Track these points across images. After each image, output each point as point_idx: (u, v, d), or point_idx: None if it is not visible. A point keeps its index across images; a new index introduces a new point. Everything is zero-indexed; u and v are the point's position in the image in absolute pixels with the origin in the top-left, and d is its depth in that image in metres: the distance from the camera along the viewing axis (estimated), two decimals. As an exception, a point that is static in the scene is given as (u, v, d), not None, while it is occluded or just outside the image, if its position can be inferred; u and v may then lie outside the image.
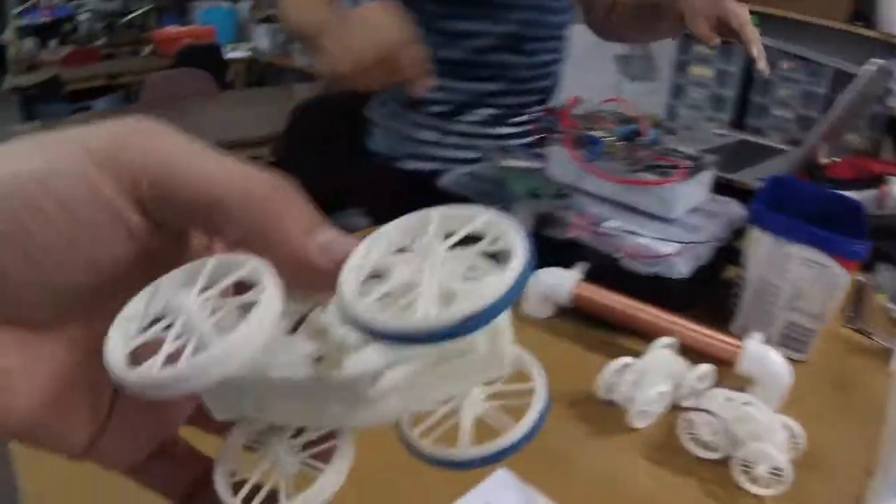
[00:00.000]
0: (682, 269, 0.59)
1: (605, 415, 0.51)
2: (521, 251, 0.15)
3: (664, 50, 2.20)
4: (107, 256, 0.17)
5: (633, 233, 0.61)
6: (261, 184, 0.17)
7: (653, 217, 0.67)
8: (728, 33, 0.84)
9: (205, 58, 3.21)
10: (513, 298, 0.14)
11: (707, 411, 0.48)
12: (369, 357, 0.17)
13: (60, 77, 3.10)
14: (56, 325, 0.18)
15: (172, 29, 4.17)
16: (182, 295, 0.17)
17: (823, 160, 1.11)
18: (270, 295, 0.16)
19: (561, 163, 0.71)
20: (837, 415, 0.56)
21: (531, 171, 0.68)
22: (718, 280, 0.69)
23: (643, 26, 1.01)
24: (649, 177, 0.65)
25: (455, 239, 0.17)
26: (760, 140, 1.31)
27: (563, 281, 0.60)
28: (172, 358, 0.15)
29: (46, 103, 2.38)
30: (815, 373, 0.60)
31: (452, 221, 0.17)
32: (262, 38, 3.82)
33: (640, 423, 0.49)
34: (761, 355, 0.54)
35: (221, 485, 0.19)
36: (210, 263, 0.17)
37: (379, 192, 1.07)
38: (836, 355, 0.65)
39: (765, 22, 1.96)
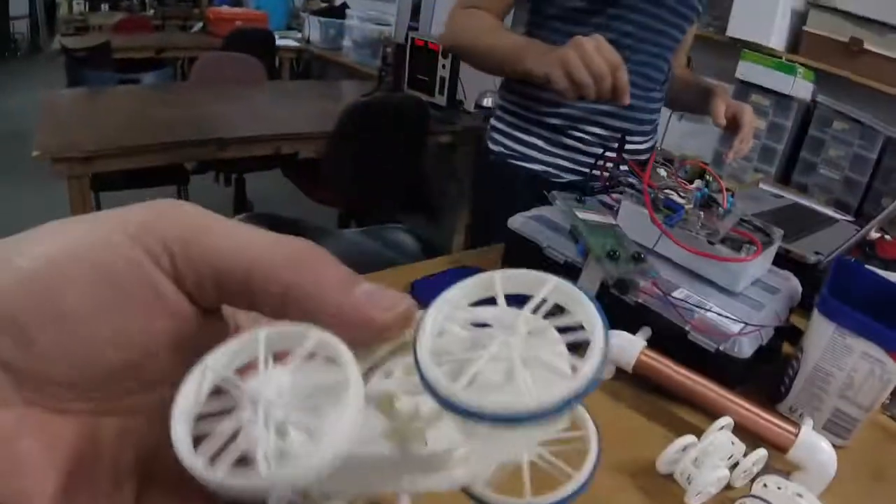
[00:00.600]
0: (745, 349, 0.61)
1: (662, 489, 0.53)
2: (600, 326, 0.15)
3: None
4: (140, 330, 0.17)
5: (701, 307, 0.63)
6: (292, 247, 0.17)
7: (718, 288, 0.69)
8: (732, 125, 1.11)
9: (255, 43, 3.22)
10: (601, 374, 0.15)
11: (762, 499, 0.50)
12: (451, 433, 0.17)
13: (111, 44, 3.10)
14: (80, 405, 0.17)
15: (226, 9, 4.20)
16: (251, 380, 0.16)
17: (873, 234, 1.12)
18: (355, 381, 0.15)
19: (634, 220, 0.73)
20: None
21: (607, 228, 0.70)
22: (775, 357, 0.70)
23: (684, 103, 1.32)
24: (725, 251, 0.66)
25: (532, 312, 0.16)
26: (812, 205, 1.31)
27: (629, 345, 0.62)
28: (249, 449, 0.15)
29: (94, 69, 2.38)
30: (853, 459, 0.61)
31: (518, 286, 0.17)
32: (313, 29, 3.80)
33: (695, 502, 0.51)
34: (814, 445, 0.56)
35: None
36: (262, 336, 0.16)
37: (493, 186, 1.23)
38: (873, 442, 0.66)
39: (822, 79, 1.97)
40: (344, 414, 0.14)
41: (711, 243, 0.66)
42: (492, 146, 1.23)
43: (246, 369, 0.17)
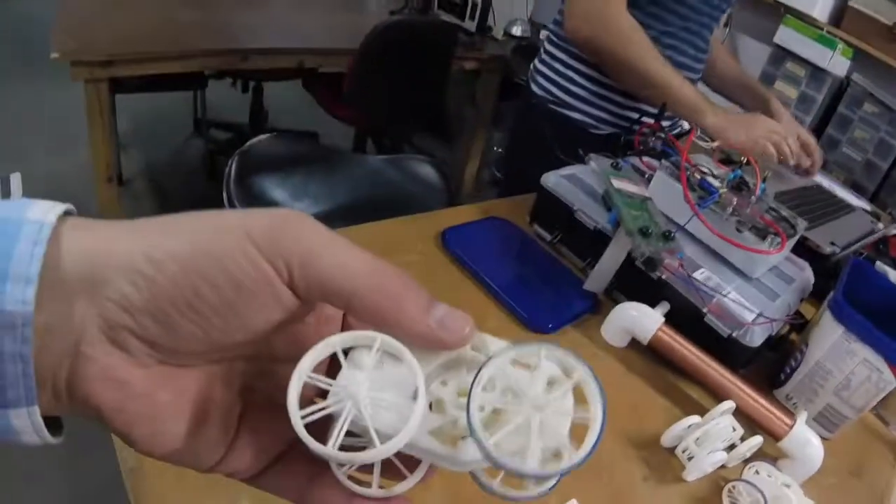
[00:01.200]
0: (756, 338, 0.63)
1: (663, 463, 0.56)
2: (599, 424, 0.21)
3: (753, 56, 2.14)
4: (261, 321, 0.21)
5: (720, 292, 0.64)
6: (388, 276, 0.21)
7: (736, 271, 0.71)
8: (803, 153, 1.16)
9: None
10: (591, 455, 0.20)
11: (753, 485, 0.53)
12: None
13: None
14: (202, 365, 0.22)
15: None
16: (346, 377, 0.22)
17: (890, 231, 1.13)
18: (422, 380, 0.21)
19: (667, 192, 0.74)
20: (848, 499, 0.62)
21: (640, 200, 0.70)
22: (780, 345, 0.72)
23: (730, 95, 1.34)
24: (751, 238, 0.67)
25: (558, 394, 0.22)
26: (833, 188, 1.31)
27: (647, 319, 0.64)
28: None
29: None
30: (836, 453, 0.65)
31: (553, 364, 0.22)
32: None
33: (691, 478, 0.55)
34: (805, 438, 0.59)
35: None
36: (338, 342, 0.22)
37: (531, 128, 1.25)
38: (857, 439, 0.70)
39: (859, 58, 1.92)
40: (420, 402, 0.21)
41: (739, 231, 0.67)
42: (535, 89, 1.23)
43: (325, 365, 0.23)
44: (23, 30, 3.33)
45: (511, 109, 2.54)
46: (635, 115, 1.14)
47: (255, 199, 1.06)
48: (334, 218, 1.03)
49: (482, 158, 2.81)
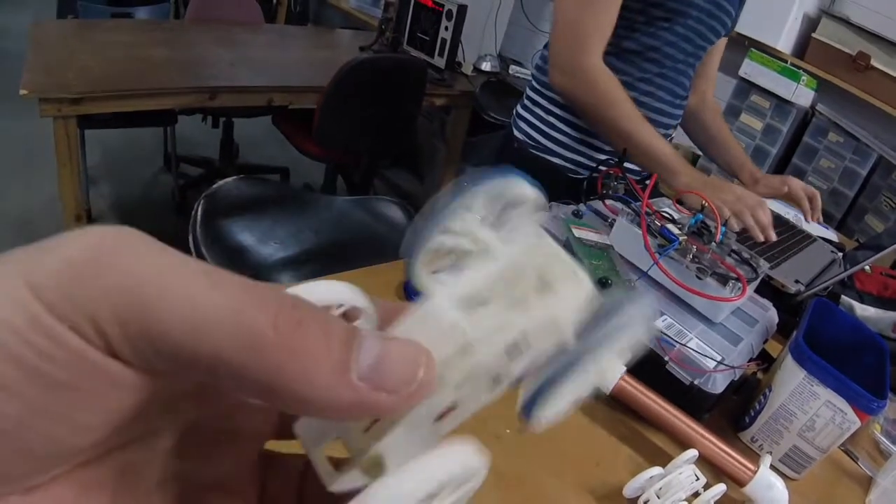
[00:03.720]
0: (718, 385, 0.63)
1: (626, 515, 0.56)
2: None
3: (719, 89, 2.20)
4: (93, 414, 0.14)
5: (680, 342, 0.64)
6: (268, 319, 0.13)
7: (700, 316, 0.71)
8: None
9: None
10: None
11: (718, 538, 0.53)
12: None
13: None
14: (57, 481, 0.14)
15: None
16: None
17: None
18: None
19: (628, 238, 0.74)
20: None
21: (601, 249, 0.70)
22: (744, 388, 0.73)
23: (712, 151, 1.38)
24: (713, 285, 0.68)
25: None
26: (792, 218, 1.34)
27: (609, 370, 0.63)
28: None
29: None
30: (803, 491, 0.65)
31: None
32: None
33: (655, 532, 0.54)
34: (769, 483, 0.59)
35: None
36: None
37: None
38: (825, 477, 0.69)
39: (824, 88, 1.97)
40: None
41: (700, 278, 0.68)
42: (517, 133, 1.26)
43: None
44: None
45: (482, 144, 2.57)
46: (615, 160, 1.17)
47: (221, 243, 1.05)
48: (302, 262, 1.02)
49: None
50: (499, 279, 0.17)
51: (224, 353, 0.13)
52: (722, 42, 1.28)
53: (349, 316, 0.19)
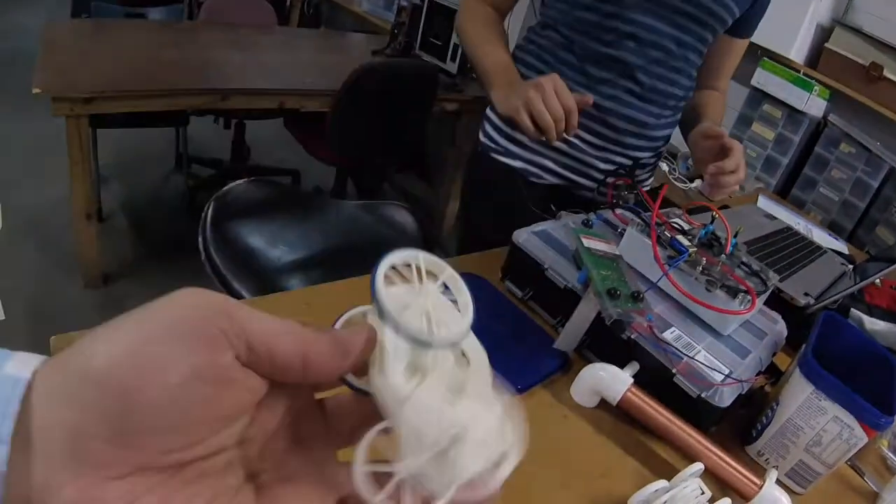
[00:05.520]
0: (725, 398, 0.63)
1: (631, 528, 0.55)
2: (470, 306, 0.27)
3: (731, 98, 2.18)
4: (233, 404, 0.22)
5: (688, 355, 0.64)
6: (307, 332, 0.23)
7: (708, 328, 0.71)
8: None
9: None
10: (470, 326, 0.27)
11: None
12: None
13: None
14: (189, 462, 0.22)
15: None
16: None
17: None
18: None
19: (637, 249, 0.74)
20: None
21: (610, 259, 0.70)
22: (751, 401, 0.72)
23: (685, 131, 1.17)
24: (722, 297, 0.68)
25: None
26: (803, 229, 1.33)
27: (616, 380, 0.63)
28: None
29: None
30: (808, 506, 0.65)
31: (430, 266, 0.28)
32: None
33: (659, 546, 0.54)
34: (774, 498, 0.59)
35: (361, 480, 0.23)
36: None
37: (475, 178, 1.25)
38: (828, 489, 0.69)
39: (836, 99, 1.96)
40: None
41: (709, 290, 0.67)
42: (481, 137, 1.21)
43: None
44: (9, 62, 3.33)
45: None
46: (580, 164, 1.11)
47: (230, 245, 1.05)
48: (311, 266, 1.03)
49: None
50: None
51: (287, 351, 0.23)
52: (732, 42, 1.16)
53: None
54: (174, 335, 0.21)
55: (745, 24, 1.10)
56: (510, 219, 0.85)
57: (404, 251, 0.27)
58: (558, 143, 1.08)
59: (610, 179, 0.89)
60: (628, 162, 1.11)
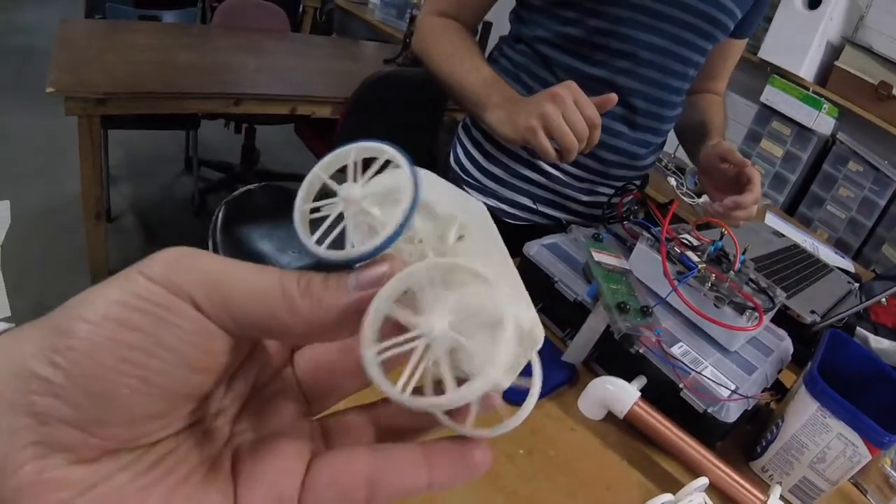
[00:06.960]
0: (731, 414, 0.63)
1: (635, 542, 0.56)
2: (410, 174, 0.22)
3: (740, 115, 2.19)
4: (197, 356, 0.20)
5: (695, 370, 0.65)
6: (293, 283, 0.21)
7: (715, 344, 0.71)
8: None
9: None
10: (409, 224, 0.22)
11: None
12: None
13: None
14: (160, 437, 0.21)
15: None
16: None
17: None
18: (508, 312, 0.20)
19: (647, 264, 0.75)
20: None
21: (620, 274, 0.71)
22: (759, 415, 0.73)
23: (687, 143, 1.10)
24: (730, 314, 0.68)
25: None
26: (810, 247, 1.34)
27: (624, 393, 0.64)
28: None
29: (113, 0, 2.31)
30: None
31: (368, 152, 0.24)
32: (340, -20, 3.72)
33: (663, 560, 0.54)
34: (779, 514, 0.59)
35: (374, 368, 0.20)
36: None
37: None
38: (832, 507, 0.69)
39: (845, 117, 1.97)
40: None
41: (717, 306, 0.68)
42: (451, 162, 1.08)
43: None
44: (23, 60, 3.36)
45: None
46: (559, 198, 1.01)
47: (240, 250, 1.06)
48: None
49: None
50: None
51: (273, 308, 0.20)
52: (731, 43, 1.07)
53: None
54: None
55: (745, 25, 1.02)
56: None
57: (332, 153, 0.24)
58: (537, 177, 0.99)
59: (615, 200, 0.89)
60: (611, 191, 1.01)
